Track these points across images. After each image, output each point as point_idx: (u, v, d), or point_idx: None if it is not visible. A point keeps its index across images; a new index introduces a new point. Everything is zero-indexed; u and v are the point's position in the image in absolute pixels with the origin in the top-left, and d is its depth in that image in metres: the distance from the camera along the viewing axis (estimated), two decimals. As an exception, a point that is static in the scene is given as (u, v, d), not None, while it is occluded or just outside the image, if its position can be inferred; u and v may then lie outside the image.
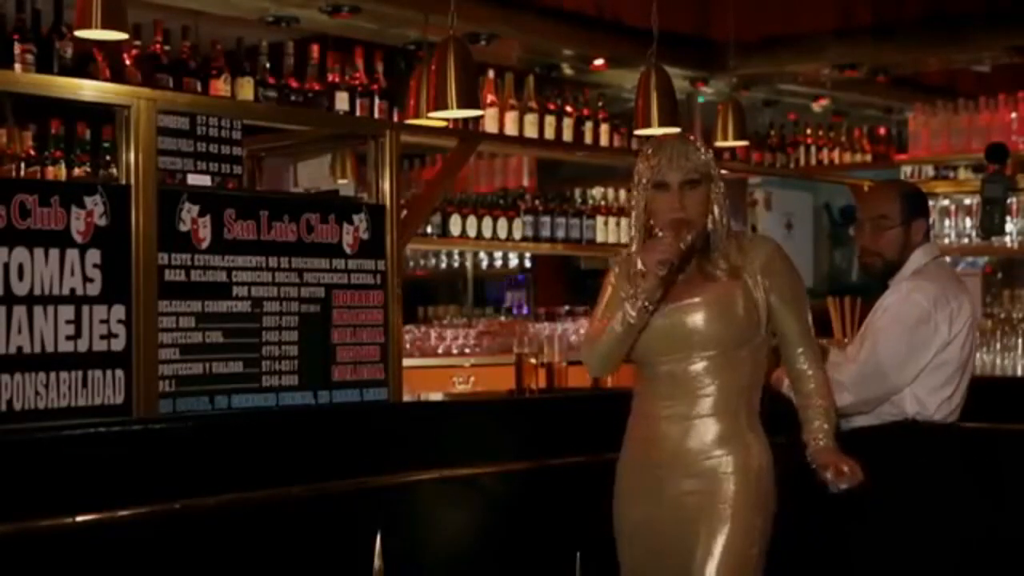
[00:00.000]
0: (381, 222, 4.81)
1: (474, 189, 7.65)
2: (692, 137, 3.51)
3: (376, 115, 6.06)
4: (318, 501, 3.90)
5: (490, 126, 6.58)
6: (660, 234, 3.36)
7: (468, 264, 8.99)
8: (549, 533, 4.36)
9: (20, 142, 5.60)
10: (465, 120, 5.89)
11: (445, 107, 4.87)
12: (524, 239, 7.15)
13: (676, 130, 5.31)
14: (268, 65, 5.84)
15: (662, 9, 5.76)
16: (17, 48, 5.18)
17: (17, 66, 5.13)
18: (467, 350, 7.09)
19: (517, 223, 7.09)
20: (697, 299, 3.40)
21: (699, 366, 3.41)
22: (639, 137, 6.61)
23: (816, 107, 9.03)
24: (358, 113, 5.99)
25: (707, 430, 3.42)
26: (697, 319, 3.40)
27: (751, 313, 3.43)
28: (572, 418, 4.74)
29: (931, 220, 5.64)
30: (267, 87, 5.79)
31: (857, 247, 4.27)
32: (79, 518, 3.45)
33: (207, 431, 3.88)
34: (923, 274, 4.10)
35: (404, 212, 5.11)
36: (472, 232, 6.84)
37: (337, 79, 6.05)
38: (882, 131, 8.92)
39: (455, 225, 6.75)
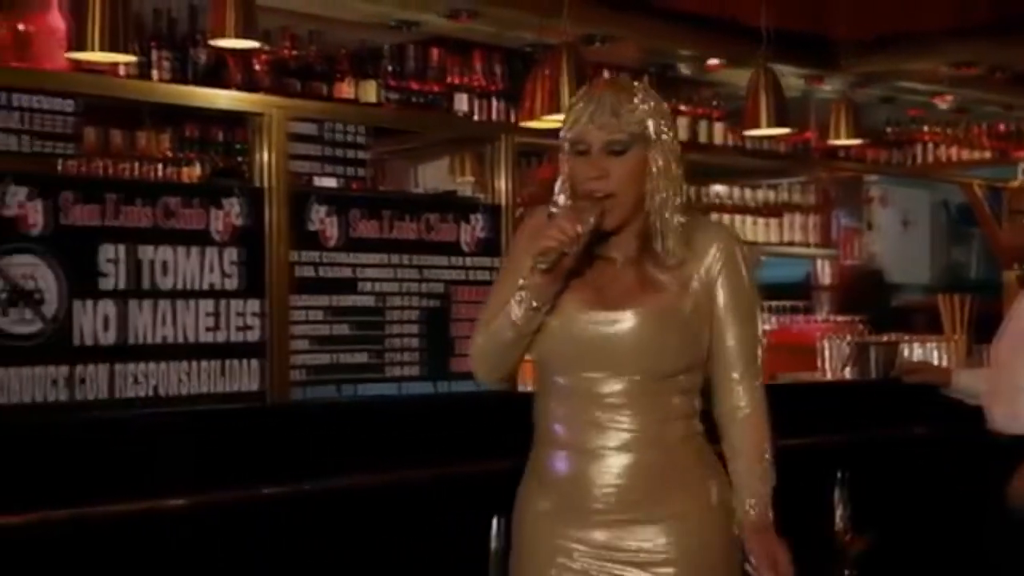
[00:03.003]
0: (498, 221, 5.08)
1: (591, 187, 7.86)
2: (636, 87, 2.69)
3: (494, 116, 6.27)
4: (438, 484, 4.09)
5: (605, 125, 6.82)
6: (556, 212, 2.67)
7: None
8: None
9: (157, 144, 5.95)
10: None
11: (558, 111, 5.13)
12: (639, 236, 7.38)
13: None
14: (391, 68, 6.10)
15: (778, 8, 5.90)
16: (155, 55, 5.52)
17: (155, 72, 5.47)
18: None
19: (633, 221, 7.32)
20: (629, 311, 2.62)
21: (625, 389, 2.63)
22: (751, 137, 6.84)
23: (941, 103, 9.05)
24: (477, 114, 6.21)
25: (646, 467, 2.64)
26: (627, 337, 2.62)
27: (700, 329, 2.67)
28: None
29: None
30: (390, 89, 6.03)
31: (1016, 240, 4.29)
32: (214, 496, 3.65)
33: (335, 417, 4.11)
34: None
35: (520, 210, 5.38)
36: (587, 229, 7.07)
37: (457, 81, 6.28)
38: (1002, 128, 8.94)
39: (571, 222, 6.99)
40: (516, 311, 2.63)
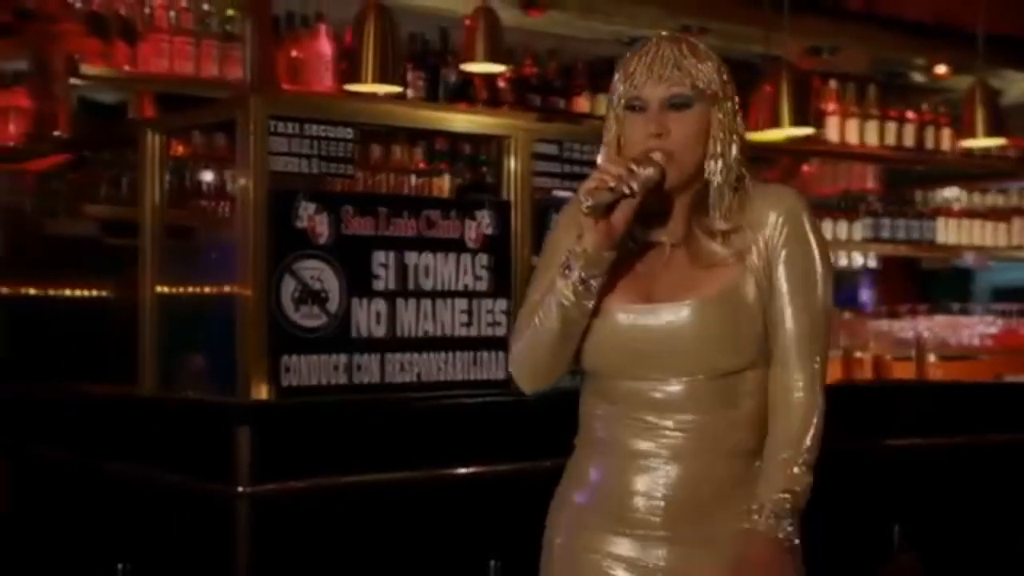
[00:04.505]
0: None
1: (818, 190, 8.39)
2: (699, 42, 2.39)
3: (721, 127, 6.82)
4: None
5: (831, 133, 7.39)
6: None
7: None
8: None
9: (411, 158, 6.69)
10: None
11: (778, 126, 5.73)
12: (865, 240, 7.85)
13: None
14: (623, 83, 6.76)
15: (1005, 13, 6.28)
16: (410, 75, 6.30)
17: (409, 91, 6.23)
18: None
19: (858, 225, 7.83)
20: (687, 300, 2.35)
21: (686, 390, 2.37)
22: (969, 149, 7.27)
23: None
24: (704, 124, 6.77)
25: (710, 476, 2.38)
26: (687, 330, 2.35)
27: (765, 311, 2.38)
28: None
29: None
30: (623, 103, 6.70)
31: None
32: (464, 470, 4.21)
33: (569, 402, 4.68)
34: None
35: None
36: (814, 233, 7.59)
37: (686, 92, 6.87)
38: None
39: (795, 227, 7.52)
40: (565, 292, 2.32)
